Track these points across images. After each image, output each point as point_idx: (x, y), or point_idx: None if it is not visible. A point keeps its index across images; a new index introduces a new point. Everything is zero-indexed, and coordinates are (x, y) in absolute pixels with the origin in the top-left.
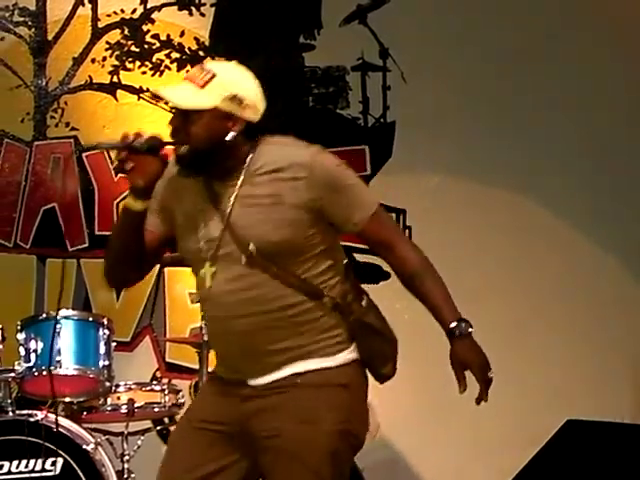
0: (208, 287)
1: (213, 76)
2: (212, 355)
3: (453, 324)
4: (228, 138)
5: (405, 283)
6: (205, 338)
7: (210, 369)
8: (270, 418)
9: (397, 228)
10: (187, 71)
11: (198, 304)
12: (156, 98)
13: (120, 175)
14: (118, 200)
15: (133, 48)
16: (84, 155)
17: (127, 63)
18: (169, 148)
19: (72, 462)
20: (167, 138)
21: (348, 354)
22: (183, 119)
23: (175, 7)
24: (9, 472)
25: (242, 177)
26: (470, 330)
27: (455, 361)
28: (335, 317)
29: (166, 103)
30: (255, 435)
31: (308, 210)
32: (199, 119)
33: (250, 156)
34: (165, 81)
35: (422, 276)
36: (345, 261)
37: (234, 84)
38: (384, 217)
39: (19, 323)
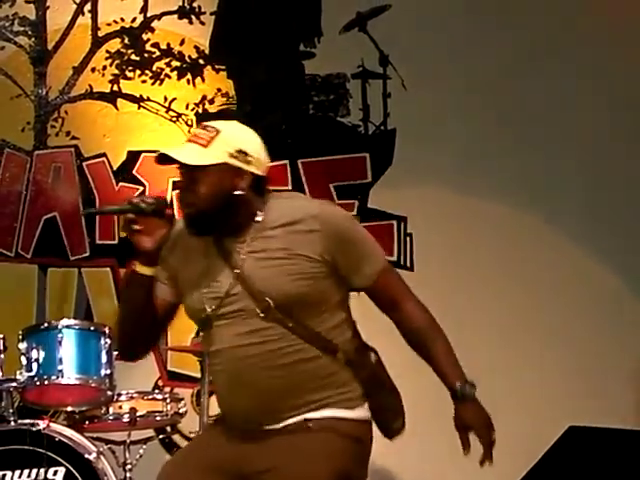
0: (220, 342)
1: (217, 133)
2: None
3: (457, 385)
4: (237, 192)
5: (410, 341)
6: None
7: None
8: (272, 455)
9: (405, 285)
10: (187, 80)
11: None
12: (162, 160)
13: (122, 184)
14: None
15: (133, 57)
16: (85, 164)
17: (127, 72)
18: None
19: (74, 471)
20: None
21: (364, 412)
22: (190, 178)
23: (175, 16)
24: None
25: (253, 232)
26: (474, 392)
27: (459, 424)
28: (348, 372)
29: (169, 104)
30: (250, 473)
31: (323, 262)
32: (206, 176)
33: (260, 212)
34: (165, 90)
35: (427, 335)
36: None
37: (238, 139)
38: (393, 273)
39: (20, 332)
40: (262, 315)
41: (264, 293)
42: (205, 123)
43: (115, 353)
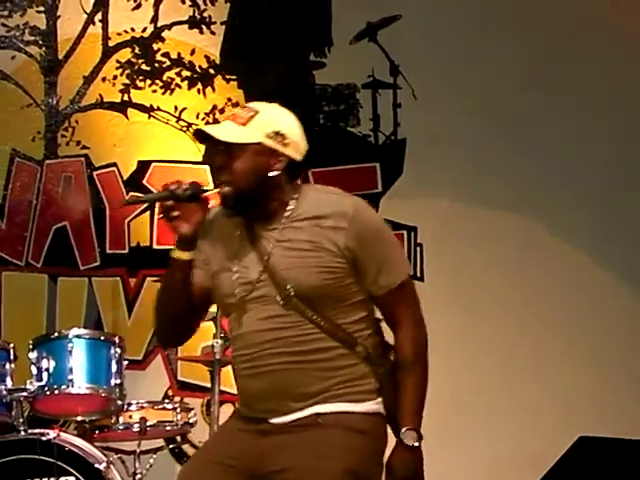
0: (241, 327)
1: (255, 113)
2: (224, 373)
3: (403, 429)
4: (272, 174)
5: (394, 364)
6: (217, 356)
7: (223, 387)
8: (286, 455)
9: (413, 307)
10: (198, 90)
11: (210, 322)
12: (197, 137)
13: (132, 194)
14: (129, 219)
15: (144, 66)
16: (95, 174)
17: (138, 81)
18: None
19: None
20: (208, 183)
21: (374, 405)
22: (226, 156)
23: (186, 25)
24: None
25: (284, 220)
26: (414, 442)
27: (387, 466)
28: (366, 367)
29: (180, 113)
30: (268, 469)
31: (345, 259)
32: (242, 155)
33: (293, 201)
34: (176, 99)
35: (406, 371)
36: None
37: (276, 121)
38: (408, 291)
39: (31, 342)
40: (282, 303)
41: (286, 281)
42: (246, 104)
43: (125, 363)
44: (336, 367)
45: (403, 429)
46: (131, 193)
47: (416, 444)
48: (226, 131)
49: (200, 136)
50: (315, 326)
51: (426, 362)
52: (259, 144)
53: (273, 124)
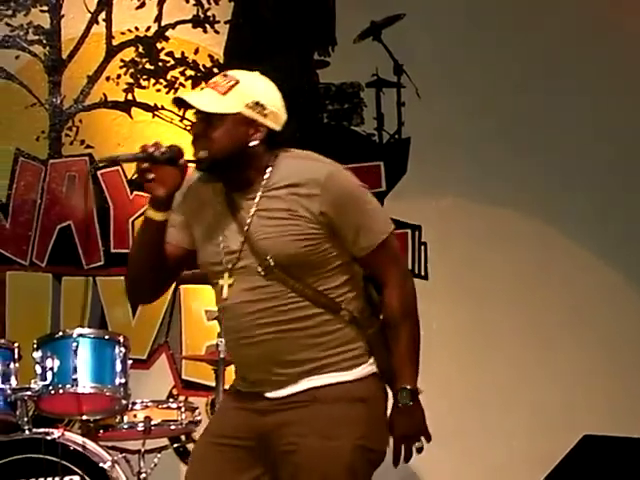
0: (226, 298)
1: (236, 83)
2: (228, 372)
3: (400, 390)
4: (252, 144)
5: (384, 323)
6: (222, 355)
7: (227, 386)
8: (289, 433)
9: (397, 263)
10: (202, 89)
11: (215, 321)
12: (177, 104)
13: (136, 192)
14: (134, 218)
15: (148, 66)
16: (99, 173)
17: (142, 81)
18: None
19: None
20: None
21: (366, 367)
22: (205, 125)
23: (189, 25)
24: None
25: (261, 190)
26: (408, 400)
27: (388, 425)
28: (353, 330)
29: (184, 111)
30: (275, 449)
31: (321, 225)
32: (221, 124)
33: (269, 169)
34: None
35: (396, 327)
36: (362, 275)
37: (256, 91)
38: (390, 249)
39: (35, 341)
40: (263, 273)
41: (265, 252)
42: (226, 72)
43: (130, 362)
44: (323, 333)
45: (398, 389)
46: (135, 192)
47: (412, 402)
48: (206, 100)
49: (180, 104)
50: (297, 294)
51: (416, 316)
52: (238, 114)
53: (253, 94)
